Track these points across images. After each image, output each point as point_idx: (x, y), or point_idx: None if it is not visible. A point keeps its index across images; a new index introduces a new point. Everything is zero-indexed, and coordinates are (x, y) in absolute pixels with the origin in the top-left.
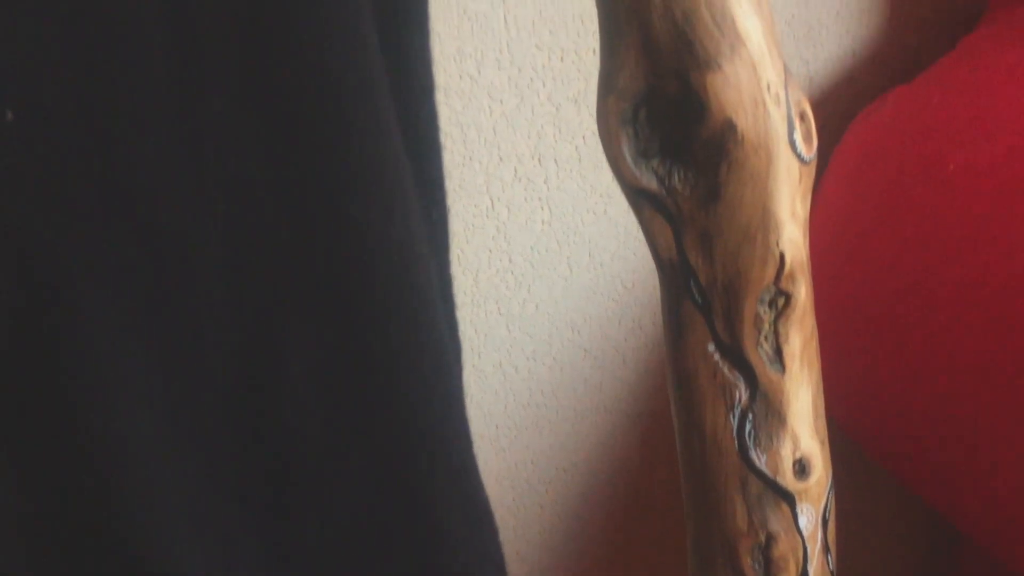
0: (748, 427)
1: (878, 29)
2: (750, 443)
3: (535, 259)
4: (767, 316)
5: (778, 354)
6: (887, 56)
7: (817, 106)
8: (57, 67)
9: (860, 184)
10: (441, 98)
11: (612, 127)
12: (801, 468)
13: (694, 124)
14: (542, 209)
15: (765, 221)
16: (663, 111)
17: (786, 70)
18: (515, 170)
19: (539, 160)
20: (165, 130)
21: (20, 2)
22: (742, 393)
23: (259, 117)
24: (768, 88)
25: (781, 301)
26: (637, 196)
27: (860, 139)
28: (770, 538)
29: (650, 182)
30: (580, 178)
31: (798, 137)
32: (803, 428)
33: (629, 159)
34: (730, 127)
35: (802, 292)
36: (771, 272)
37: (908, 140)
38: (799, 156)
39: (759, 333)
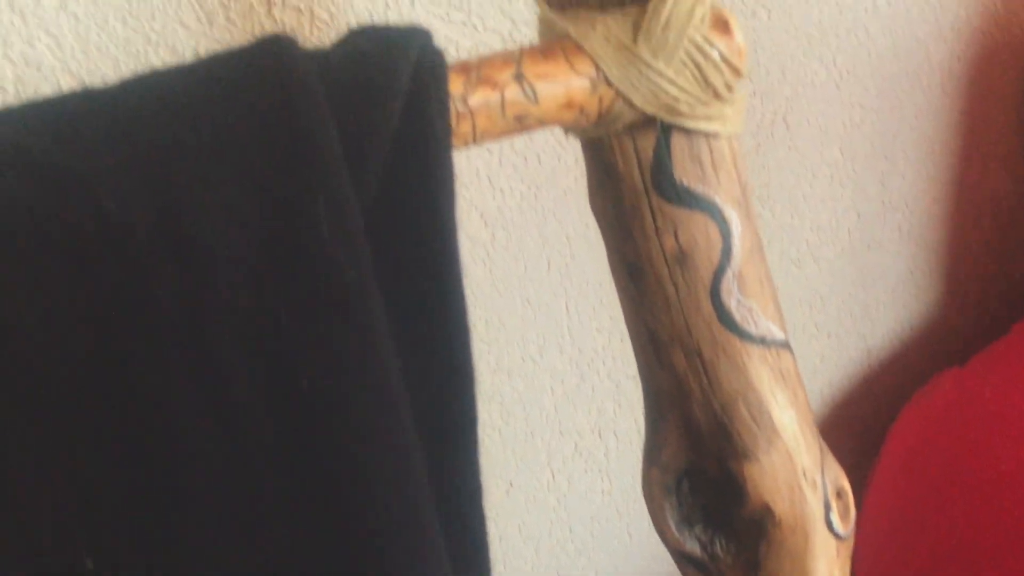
0: None
1: (934, 306)
2: None
3: (595, 528)
4: None
5: None
6: (942, 332)
7: (875, 380)
8: (127, 511)
9: (914, 471)
10: (504, 379)
11: (656, 496)
12: None
13: (733, 504)
14: (602, 480)
15: None
16: (704, 485)
17: (822, 451)
18: (575, 444)
19: (599, 434)
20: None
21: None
22: None
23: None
24: (804, 474)
25: None
26: (681, 559)
27: (915, 423)
28: None
29: (693, 548)
30: (640, 450)
31: (835, 517)
32: None
33: (673, 526)
34: (768, 511)
35: None
36: None
37: (962, 430)
38: (835, 534)
39: None
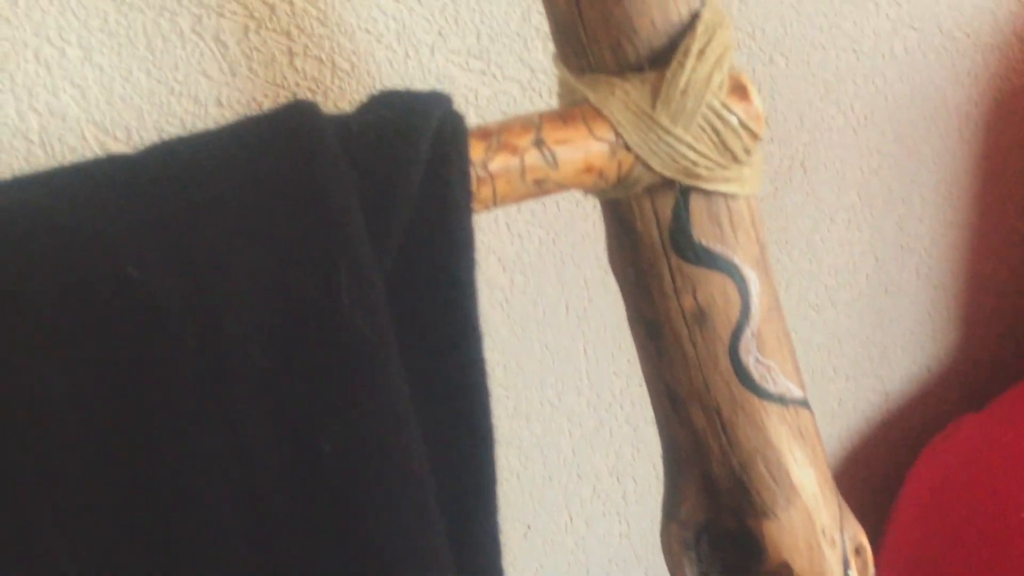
0: None
1: (952, 349)
2: None
3: (613, 571)
4: None
5: None
6: (961, 376)
7: (893, 423)
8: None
9: (933, 516)
10: (523, 423)
11: (675, 551)
12: None
13: (752, 560)
14: (620, 523)
15: None
16: (724, 541)
17: (841, 507)
18: (593, 488)
19: (617, 478)
20: None
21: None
22: None
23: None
24: (823, 532)
25: None
26: None
27: (933, 468)
28: None
29: None
30: (658, 493)
31: (853, 573)
32: None
33: None
34: (787, 568)
35: None
36: None
37: (981, 475)
38: None
39: None
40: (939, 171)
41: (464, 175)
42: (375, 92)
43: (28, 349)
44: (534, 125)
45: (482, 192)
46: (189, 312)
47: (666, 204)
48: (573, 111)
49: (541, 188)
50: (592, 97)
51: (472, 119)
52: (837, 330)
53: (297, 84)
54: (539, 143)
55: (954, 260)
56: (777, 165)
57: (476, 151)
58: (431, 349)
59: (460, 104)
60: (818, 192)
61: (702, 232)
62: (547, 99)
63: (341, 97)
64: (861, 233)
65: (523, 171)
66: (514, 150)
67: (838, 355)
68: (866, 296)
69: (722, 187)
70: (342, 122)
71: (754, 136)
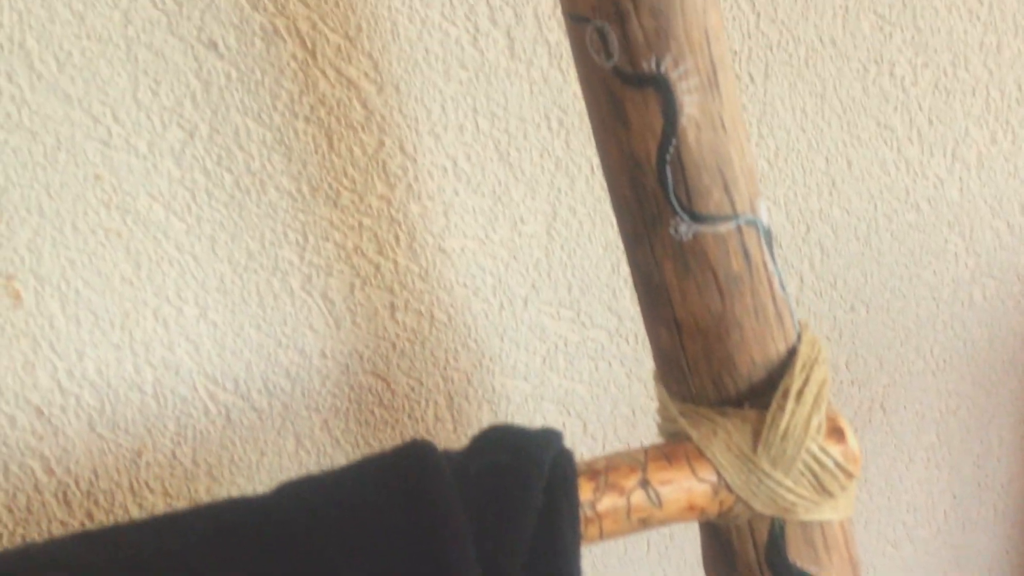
0: None
1: None
2: None
3: None
4: None
5: None
6: None
7: None
8: None
9: None
10: None
11: None
12: None
13: None
14: None
15: None
16: None
17: None
18: None
19: None
20: None
21: None
22: None
23: None
24: None
25: None
26: None
27: None
28: None
29: None
30: None
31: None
32: None
33: None
34: None
35: None
36: None
37: None
38: None
39: None
40: (1016, 411)
41: (574, 519)
42: (487, 427)
43: None
44: (640, 465)
45: (589, 531)
46: None
47: (763, 526)
48: (677, 450)
49: (645, 525)
50: (694, 435)
51: (561, 363)
52: (915, 567)
53: (397, 335)
54: (644, 483)
55: None
56: (857, 406)
57: (585, 491)
58: None
59: (550, 351)
60: (897, 432)
61: (797, 554)
62: (633, 345)
63: (438, 346)
64: (940, 471)
65: (629, 511)
66: (621, 491)
67: None
68: (944, 533)
69: (816, 516)
70: (460, 465)
71: (850, 476)
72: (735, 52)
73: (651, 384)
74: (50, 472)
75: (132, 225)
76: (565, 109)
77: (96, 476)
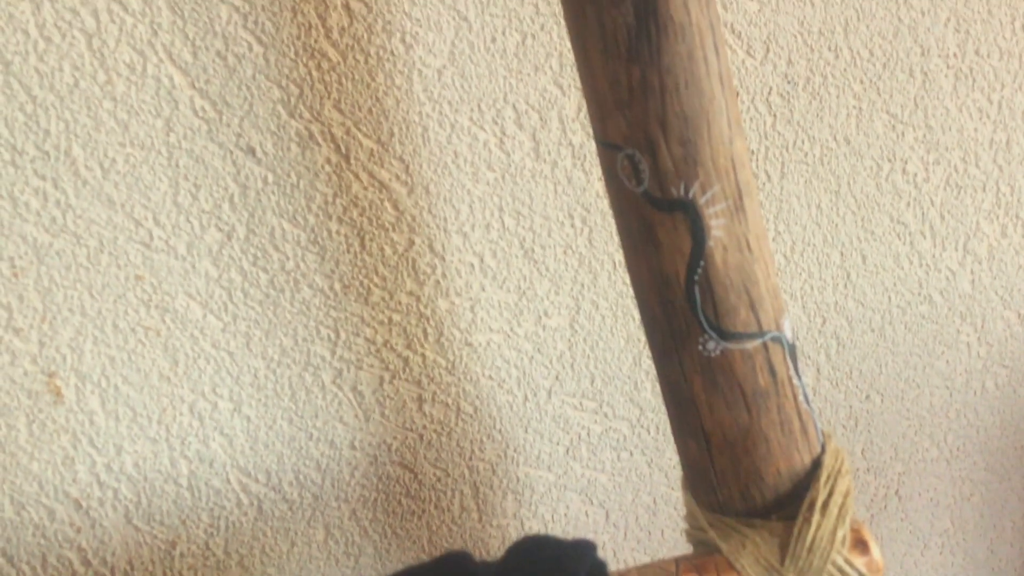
0: None
1: None
2: None
3: None
4: None
5: None
6: None
7: None
8: None
9: None
10: None
11: None
12: None
13: None
14: None
15: None
16: None
17: None
18: None
19: None
20: None
21: None
22: None
23: None
24: None
25: None
26: None
27: None
28: None
29: None
30: None
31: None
32: None
33: None
34: None
35: None
36: None
37: None
38: None
39: None
40: None
41: None
42: (521, 538)
43: None
44: None
45: None
46: None
47: None
48: (707, 562)
49: None
50: (724, 548)
51: (584, 453)
52: None
53: (424, 427)
54: None
55: None
56: (873, 494)
57: None
58: None
59: (573, 441)
60: (912, 518)
61: None
62: (654, 435)
63: (464, 437)
64: (954, 557)
65: None
66: None
67: None
68: None
69: None
70: None
71: None
72: (752, 152)
73: (671, 473)
74: (87, 563)
75: (170, 323)
76: (588, 208)
77: (132, 567)
